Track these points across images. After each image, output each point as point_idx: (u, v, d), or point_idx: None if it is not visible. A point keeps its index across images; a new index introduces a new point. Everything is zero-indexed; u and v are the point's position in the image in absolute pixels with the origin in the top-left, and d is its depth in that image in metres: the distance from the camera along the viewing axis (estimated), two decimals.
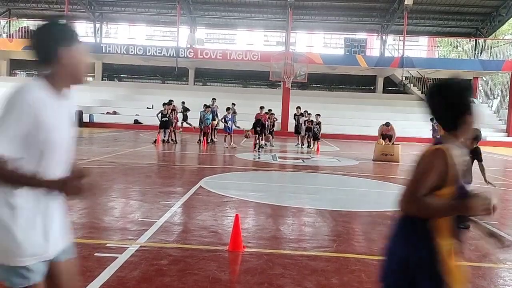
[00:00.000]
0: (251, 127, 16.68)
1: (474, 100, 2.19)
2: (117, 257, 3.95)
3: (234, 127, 17.07)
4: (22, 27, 31.39)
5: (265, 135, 17.34)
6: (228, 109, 17.42)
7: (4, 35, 32.02)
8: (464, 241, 4.75)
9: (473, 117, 2.12)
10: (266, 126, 18.00)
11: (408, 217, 1.91)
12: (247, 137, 17.05)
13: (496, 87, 48.47)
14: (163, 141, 17.05)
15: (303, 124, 18.21)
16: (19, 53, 31.25)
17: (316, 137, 17.39)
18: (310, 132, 17.89)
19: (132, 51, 27.40)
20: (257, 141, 16.52)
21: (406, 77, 29.56)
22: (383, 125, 14.99)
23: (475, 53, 31.81)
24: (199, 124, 17.61)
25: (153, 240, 4.57)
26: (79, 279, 3.41)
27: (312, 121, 17.97)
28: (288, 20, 27.66)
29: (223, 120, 17.18)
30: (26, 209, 1.80)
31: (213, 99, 19.09)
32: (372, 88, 33.88)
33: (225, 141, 16.42)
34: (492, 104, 45.27)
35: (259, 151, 15.55)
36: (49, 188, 1.81)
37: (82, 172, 1.93)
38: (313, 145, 17.55)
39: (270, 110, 20.20)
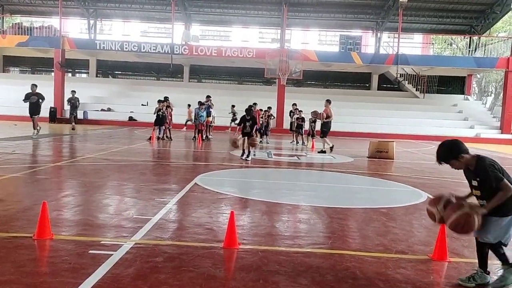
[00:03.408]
0: (238, 123, 12.57)
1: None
2: (111, 254, 3.93)
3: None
4: (15, 23, 31.11)
5: (255, 135, 13.47)
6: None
7: None
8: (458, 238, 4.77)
9: None
10: (261, 123, 17.98)
11: None
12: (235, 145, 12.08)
13: (490, 84, 48.72)
14: (158, 138, 17.02)
15: (295, 122, 18.29)
16: (12, 50, 31.02)
17: (312, 134, 17.39)
18: (301, 129, 17.93)
19: (126, 48, 27.26)
20: (245, 143, 11.94)
21: (400, 74, 29.65)
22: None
23: (469, 51, 31.94)
24: (194, 121, 17.59)
25: (148, 237, 4.56)
26: (74, 276, 3.40)
27: (303, 118, 18.00)
28: (283, 17, 27.62)
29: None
30: None
31: (208, 96, 19.06)
32: (367, 85, 33.96)
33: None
34: (486, 101, 45.50)
35: (247, 159, 11.56)
36: None
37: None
38: (308, 142, 17.56)
39: (269, 107, 20.23)
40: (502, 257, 3.65)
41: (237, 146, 11.90)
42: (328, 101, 15.07)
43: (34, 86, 15.97)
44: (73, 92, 22.10)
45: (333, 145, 14.92)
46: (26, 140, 14.31)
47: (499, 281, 3.65)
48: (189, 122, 23.56)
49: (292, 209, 6.34)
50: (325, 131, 14.81)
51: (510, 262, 3.65)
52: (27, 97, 15.63)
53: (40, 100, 15.67)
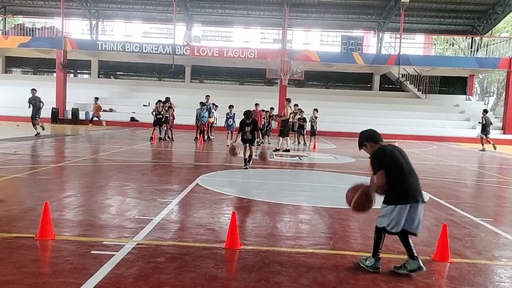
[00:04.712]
0: (239, 126, 10.89)
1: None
2: (113, 255, 3.94)
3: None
4: (17, 24, 31.18)
5: (259, 137, 13.10)
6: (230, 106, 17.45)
7: (0, 32, 31.84)
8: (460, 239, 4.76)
9: None
10: (262, 124, 17.98)
11: None
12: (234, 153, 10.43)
13: (492, 84, 48.65)
14: (160, 138, 17.04)
15: (296, 122, 18.29)
16: (14, 51, 31.12)
17: (313, 133, 17.49)
18: (302, 129, 17.99)
19: (128, 49, 27.30)
20: (247, 152, 10.45)
21: (402, 74, 29.62)
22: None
23: (471, 51, 31.89)
24: (196, 122, 17.60)
25: (150, 237, 4.56)
26: (75, 276, 3.41)
27: (304, 118, 18.04)
28: (285, 18, 27.64)
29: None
30: None
31: (207, 96, 18.94)
32: (369, 85, 33.94)
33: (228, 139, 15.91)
34: (488, 101, 45.45)
35: (246, 166, 10.29)
36: None
37: None
38: (310, 142, 17.59)
39: (272, 108, 20.26)
40: (376, 245, 3.88)
41: (236, 154, 10.41)
42: (288, 100, 15.15)
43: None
44: (33, 90, 17.08)
45: (289, 149, 14.92)
46: (28, 141, 14.34)
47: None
48: (95, 119, 23.57)
49: (293, 209, 6.34)
50: (282, 130, 14.93)
51: (378, 253, 3.89)
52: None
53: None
